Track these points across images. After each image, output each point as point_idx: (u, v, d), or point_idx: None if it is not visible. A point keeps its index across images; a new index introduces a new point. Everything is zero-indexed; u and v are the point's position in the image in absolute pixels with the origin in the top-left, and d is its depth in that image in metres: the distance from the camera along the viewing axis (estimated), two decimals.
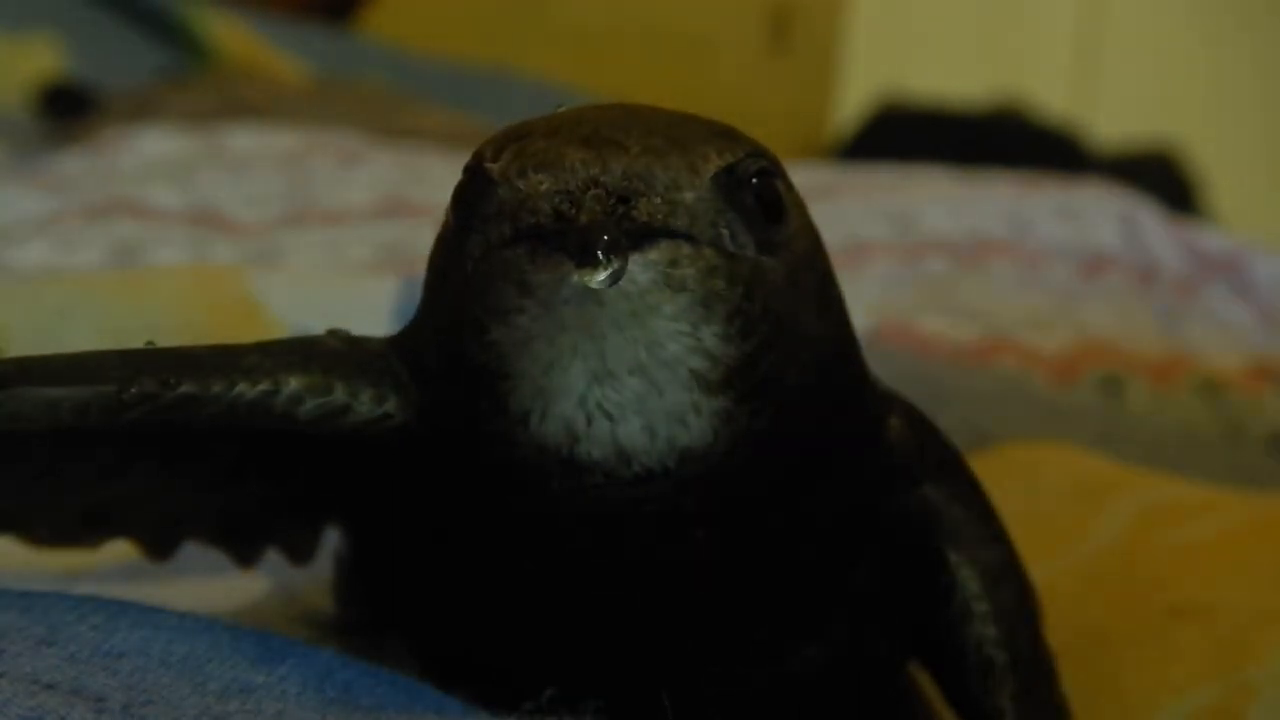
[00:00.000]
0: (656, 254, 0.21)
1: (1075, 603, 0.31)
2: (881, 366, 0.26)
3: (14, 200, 0.64)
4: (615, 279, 0.21)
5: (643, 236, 0.21)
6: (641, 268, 0.21)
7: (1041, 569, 0.26)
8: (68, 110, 0.83)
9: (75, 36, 0.91)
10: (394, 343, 0.24)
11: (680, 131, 0.22)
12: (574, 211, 0.21)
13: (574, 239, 0.21)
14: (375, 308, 0.41)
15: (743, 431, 0.22)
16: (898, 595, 0.25)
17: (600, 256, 0.20)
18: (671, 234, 0.21)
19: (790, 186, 0.23)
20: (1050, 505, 0.36)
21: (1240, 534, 0.34)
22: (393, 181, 0.69)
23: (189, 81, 0.88)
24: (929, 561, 0.25)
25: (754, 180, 0.22)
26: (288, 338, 0.25)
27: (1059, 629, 0.26)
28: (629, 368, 0.21)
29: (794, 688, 0.25)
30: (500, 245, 0.22)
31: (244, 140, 0.74)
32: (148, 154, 0.71)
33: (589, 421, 0.22)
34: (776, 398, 0.22)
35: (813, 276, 0.23)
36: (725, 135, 0.23)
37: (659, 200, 0.21)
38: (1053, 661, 0.26)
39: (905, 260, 0.60)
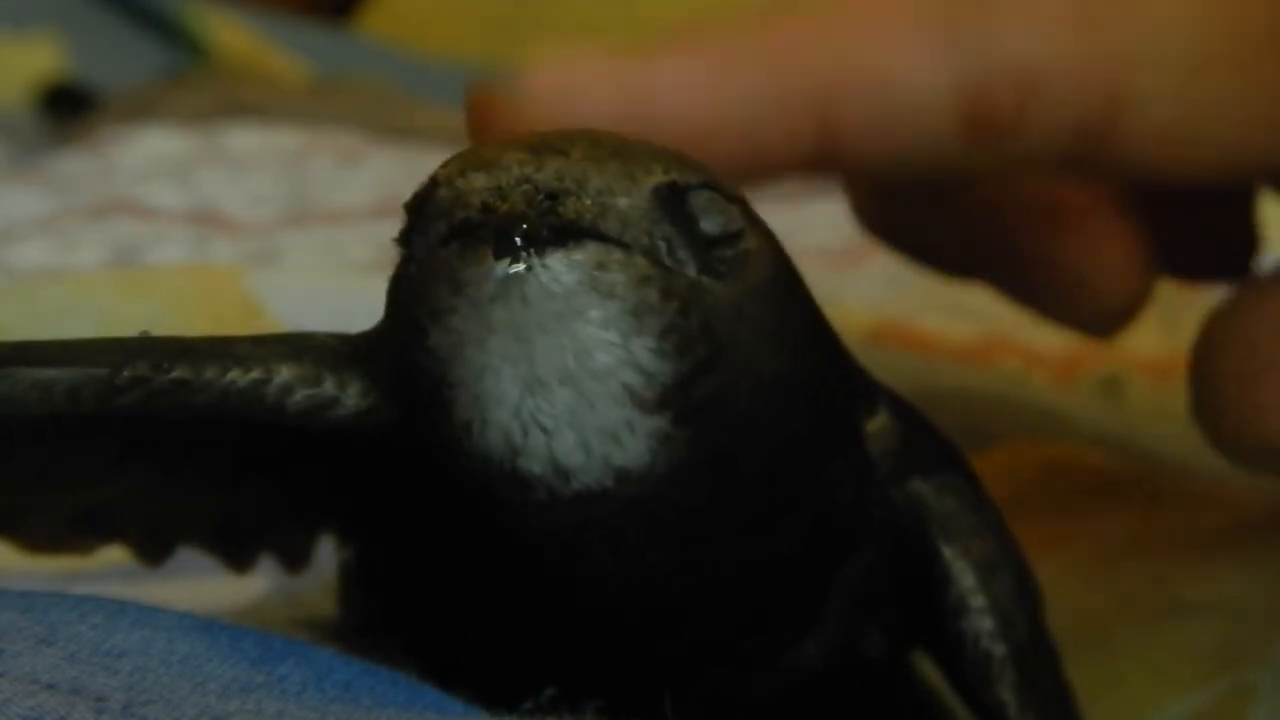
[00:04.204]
0: (582, 255, 0.21)
1: (1076, 601, 0.31)
2: (881, 366, 0.26)
3: (14, 200, 0.64)
4: (530, 268, 0.20)
5: (567, 234, 0.21)
6: (567, 267, 0.21)
7: (1042, 568, 0.26)
8: (68, 110, 0.83)
9: (75, 36, 0.91)
10: (366, 343, 0.24)
11: (631, 148, 0.22)
12: (500, 203, 0.21)
13: (494, 227, 0.21)
14: (375, 308, 0.40)
15: (682, 455, 0.22)
16: (893, 591, 0.25)
17: (518, 244, 0.20)
18: (601, 237, 0.21)
19: (751, 214, 0.23)
20: (1050, 505, 0.36)
21: (1241, 533, 0.34)
22: (393, 181, 0.69)
23: (189, 81, 0.88)
24: (923, 556, 0.25)
25: (702, 201, 0.22)
26: (281, 332, 0.25)
27: (1059, 628, 0.26)
28: (558, 376, 0.21)
29: (793, 686, 0.25)
30: (438, 244, 0.22)
31: (244, 140, 0.74)
32: (148, 154, 0.71)
33: (525, 433, 0.21)
34: (720, 424, 0.22)
35: (767, 305, 0.23)
36: (679, 159, 0.23)
37: (589, 201, 0.21)
38: (1054, 649, 0.26)
39: None
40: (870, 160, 0.27)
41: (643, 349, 0.21)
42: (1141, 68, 0.27)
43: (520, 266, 0.21)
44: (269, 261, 0.59)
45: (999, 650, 0.24)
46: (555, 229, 0.21)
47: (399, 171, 0.71)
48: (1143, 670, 0.30)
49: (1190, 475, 0.38)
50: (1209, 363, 0.29)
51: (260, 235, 0.62)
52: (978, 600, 0.25)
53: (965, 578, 0.25)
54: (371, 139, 0.77)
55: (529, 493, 0.22)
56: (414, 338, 0.22)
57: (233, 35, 0.97)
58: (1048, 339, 0.51)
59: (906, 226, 0.33)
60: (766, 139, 0.27)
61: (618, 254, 0.21)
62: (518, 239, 0.21)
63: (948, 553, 0.25)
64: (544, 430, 0.21)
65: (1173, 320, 0.47)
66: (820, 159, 0.27)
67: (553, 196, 0.21)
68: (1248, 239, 0.34)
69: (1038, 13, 0.27)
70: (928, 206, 0.32)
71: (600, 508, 0.22)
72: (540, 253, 0.21)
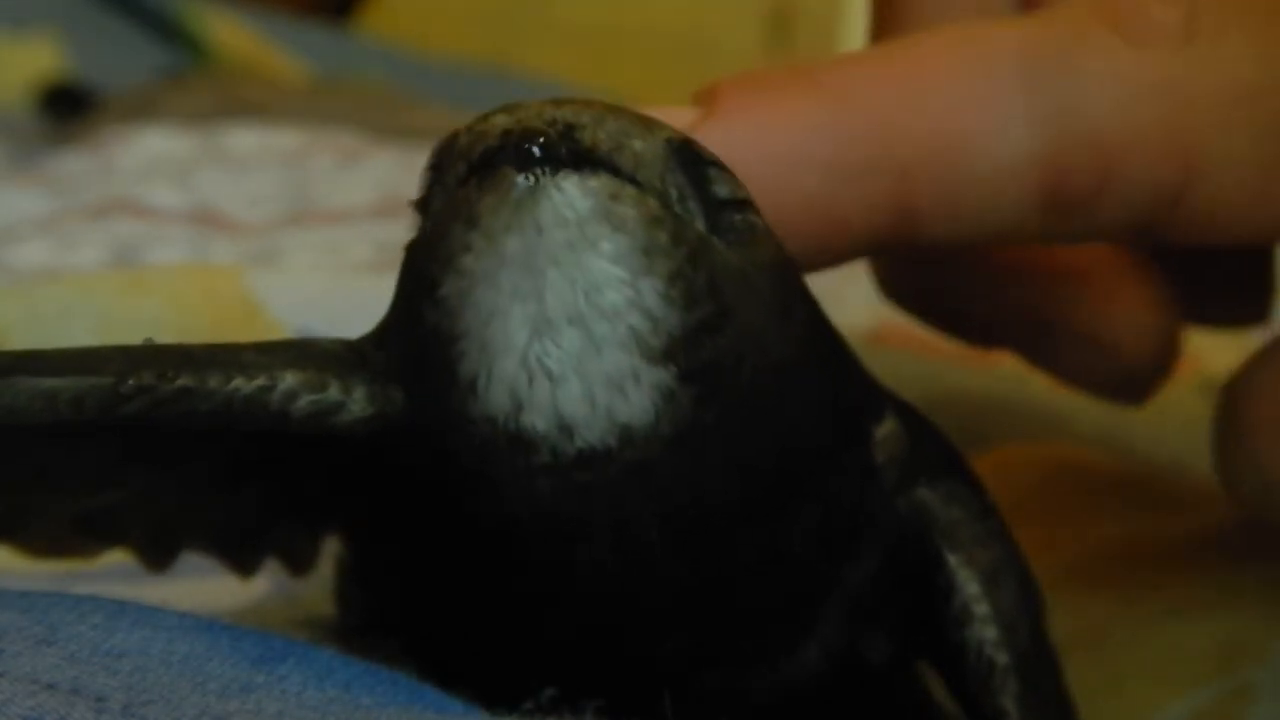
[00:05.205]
0: (597, 183, 0.21)
1: (1075, 603, 0.31)
2: (881, 366, 0.26)
3: (14, 200, 0.64)
4: (544, 185, 0.21)
5: (583, 160, 0.21)
6: (581, 192, 0.21)
7: (1042, 568, 0.26)
8: (68, 110, 0.83)
9: (75, 36, 0.91)
10: (372, 339, 0.24)
11: (649, 117, 0.22)
12: (520, 127, 0.21)
13: (513, 144, 0.21)
14: (375, 308, 0.41)
15: (686, 418, 0.22)
16: (897, 597, 0.25)
17: (536, 156, 0.21)
18: (615, 170, 0.21)
19: (756, 209, 0.23)
20: (1050, 505, 0.36)
21: (1240, 533, 0.34)
22: (393, 181, 0.69)
23: (189, 81, 0.88)
24: (927, 562, 0.25)
25: (713, 169, 0.22)
26: (286, 339, 0.25)
27: (1058, 629, 0.26)
28: (568, 315, 0.21)
29: (796, 689, 0.25)
30: (456, 185, 0.22)
31: (244, 140, 0.74)
32: (148, 154, 0.71)
33: (530, 382, 0.21)
34: (724, 391, 0.22)
35: (773, 287, 0.23)
36: (694, 140, 0.23)
37: (605, 136, 0.21)
38: (1056, 657, 0.26)
39: None
40: (944, 233, 0.27)
41: (651, 291, 0.21)
42: (1215, 133, 0.26)
43: (537, 182, 0.21)
44: (269, 261, 0.59)
45: (1002, 659, 0.24)
46: (572, 152, 0.21)
47: (399, 171, 0.71)
48: (1142, 671, 0.30)
49: (1190, 475, 0.38)
50: (1240, 412, 0.28)
51: (260, 235, 0.62)
52: (981, 609, 0.25)
53: (969, 586, 0.25)
54: (371, 139, 0.77)
55: (533, 456, 0.22)
56: (424, 294, 0.22)
57: (233, 35, 0.97)
58: None
59: (931, 299, 0.32)
60: (844, 213, 0.26)
61: (631, 189, 0.21)
62: (535, 150, 0.21)
63: (952, 561, 0.25)
64: (550, 377, 0.21)
65: None
66: (895, 233, 0.26)
67: (571, 126, 0.21)
68: (1265, 285, 0.34)
69: (1116, 75, 0.26)
70: (951, 280, 0.32)
71: (603, 472, 0.22)
72: (555, 172, 0.21)
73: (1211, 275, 0.33)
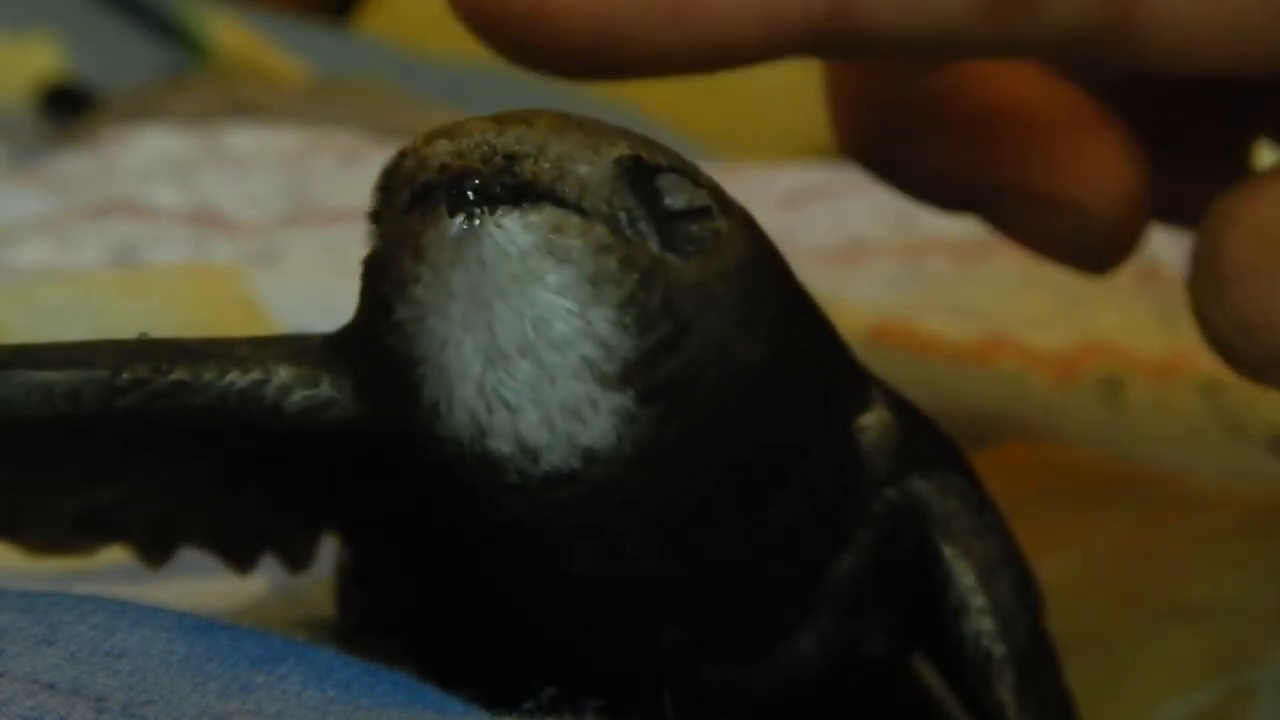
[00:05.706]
0: (538, 216, 0.21)
1: (1075, 603, 0.31)
2: (881, 366, 0.26)
3: (14, 200, 0.64)
4: (482, 225, 0.20)
5: (523, 194, 0.21)
6: (522, 228, 0.21)
7: (1042, 569, 0.26)
8: (68, 110, 0.83)
9: (75, 36, 0.91)
10: (339, 342, 0.24)
11: (600, 126, 0.22)
12: (456, 161, 0.21)
13: (449, 184, 0.21)
14: None
15: (648, 437, 0.21)
16: (894, 592, 0.25)
17: (470, 198, 0.20)
18: (559, 201, 0.21)
19: (724, 200, 0.23)
20: (1050, 505, 0.36)
21: (1241, 533, 0.34)
22: None
23: (189, 81, 0.88)
24: (923, 555, 0.25)
25: (668, 180, 0.22)
26: (282, 334, 0.25)
27: (1058, 628, 0.26)
28: (518, 347, 0.21)
29: (795, 687, 0.25)
30: (402, 213, 0.22)
31: (244, 140, 0.74)
32: (148, 153, 0.71)
33: (490, 410, 0.21)
34: (687, 407, 0.22)
35: (737, 290, 0.22)
36: (649, 143, 0.22)
37: (547, 165, 0.21)
38: (1054, 651, 0.26)
39: (906, 259, 0.60)
40: (883, 26, 0.26)
41: (601, 320, 0.21)
42: None
43: (473, 223, 0.21)
44: (269, 261, 0.59)
45: (999, 650, 0.24)
46: (510, 188, 0.21)
47: None
48: (1142, 670, 0.30)
49: (1190, 475, 0.38)
50: (1212, 256, 0.27)
51: (260, 235, 0.62)
52: (978, 600, 0.24)
53: (965, 578, 0.24)
54: (371, 139, 0.77)
55: (501, 476, 0.21)
56: (381, 315, 0.22)
57: (233, 35, 0.97)
58: (1048, 339, 0.51)
59: (889, 153, 0.32)
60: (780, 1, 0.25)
61: (575, 219, 0.21)
62: (469, 193, 0.21)
63: (948, 553, 0.25)
64: (508, 406, 0.21)
65: (1173, 319, 0.47)
66: (831, 28, 0.26)
67: (511, 158, 0.21)
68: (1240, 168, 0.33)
69: None
70: (909, 131, 0.31)
71: (571, 491, 0.21)
72: (493, 210, 0.21)
73: (1185, 166, 0.32)
